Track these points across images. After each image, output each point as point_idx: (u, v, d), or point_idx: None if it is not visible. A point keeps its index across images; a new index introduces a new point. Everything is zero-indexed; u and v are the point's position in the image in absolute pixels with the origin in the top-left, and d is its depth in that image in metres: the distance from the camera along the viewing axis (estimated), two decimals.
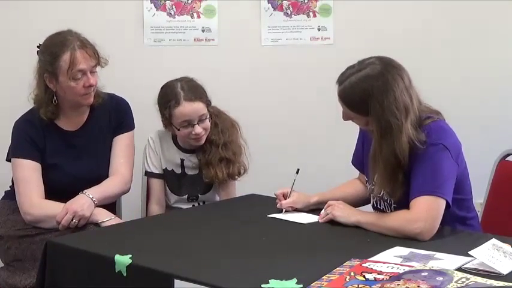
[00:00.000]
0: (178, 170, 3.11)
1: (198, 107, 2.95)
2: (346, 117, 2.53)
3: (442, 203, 2.39)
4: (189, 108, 2.94)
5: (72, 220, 2.72)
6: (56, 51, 2.82)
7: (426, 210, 2.36)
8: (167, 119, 3.00)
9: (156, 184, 3.12)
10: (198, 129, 2.96)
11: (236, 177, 3.08)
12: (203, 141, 3.02)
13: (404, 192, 2.44)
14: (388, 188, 2.46)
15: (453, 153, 2.44)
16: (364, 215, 2.47)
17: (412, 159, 2.43)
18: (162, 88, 3.05)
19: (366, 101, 2.40)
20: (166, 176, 3.13)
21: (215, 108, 3.09)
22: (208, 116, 2.99)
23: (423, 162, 2.42)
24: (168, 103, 2.97)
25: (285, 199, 2.69)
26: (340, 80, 2.47)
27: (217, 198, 3.15)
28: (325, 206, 2.55)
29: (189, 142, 3.04)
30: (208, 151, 3.04)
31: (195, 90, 2.98)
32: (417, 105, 2.46)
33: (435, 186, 2.38)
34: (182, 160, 3.10)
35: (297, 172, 2.71)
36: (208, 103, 3.02)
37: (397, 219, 2.39)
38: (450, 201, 2.41)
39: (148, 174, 3.14)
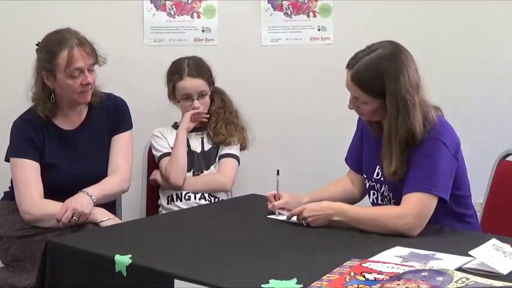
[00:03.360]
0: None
1: (198, 83, 3.22)
2: (353, 105, 2.52)
3: (434, 201, 2.40)
4: (190, 83, 3.21)
5: (72, 217, 2.72)
6: (54, 49, 2.82)
7: (417, 207, 2.37)
8: (171, 91, 3.26)
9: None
10: (197, 103, 3.22)
11: (243, 142, 3.28)
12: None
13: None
14: (397, 171, 2.45)
15: (451, 149, 2.45)
16: (344, 214, 2.44)
17: (410, 153, 2.44)
18: (171, 63, 3.30)
19: (381, 80, 2.41)
20: None
21: (219, 88, 3.35)
22: (208, 93, 3.25)
23: (420, 158, 2.43)
24: (173, 76, 3.25)
25: (276, 201, 2.68)
26: (352, 64, 2.47)
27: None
28: (296, 212, 2.49)
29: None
30: (214, 119, 3.27)
31: (199, 68, 3.25)
32: (422, 92, 2.48)
33: (429, 184, 2.39)
34: (187, 140, 3.25)
35: (278, 173, 2.72)
36: (210, 82, 3.27)
37: (385, 215, 2.40)
38: (447, 197, 2.42)
39: (162, 156, 3.24)
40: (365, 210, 2.49)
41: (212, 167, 3.25)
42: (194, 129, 3.27)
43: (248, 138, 3.31)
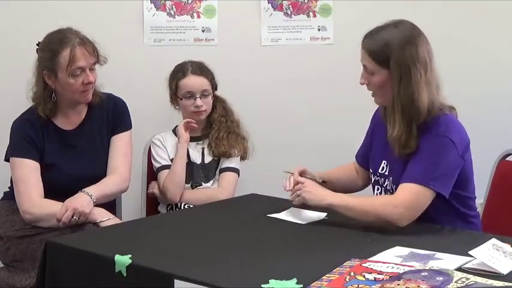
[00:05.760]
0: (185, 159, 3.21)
1: (202, 81, 3.21)
2: (364, 78, 2.54)
3: (430, 195, 2.40)
4: (193, 80, 3.20)
5: (72, 217, 2.72)
6: (56, 48, 2.83)
7: (410, 198, 2.38)
8: (174, 92, 3.24)
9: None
10: (199, 101, 3.18)
11: (244, 153, 3.26)
12: (203, 116, 3.23)
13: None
14: (402, 137, 2.47)
15: (459, 148, 2.45)
16: (338, 198, 2.47)
17: (419, 139, 2.46)
18: (175, 66, 3.29)
19: (389, 46, 2.45)
20: None
21: (220, 97, 3.32)
22: (211, 94, 3.23)
23: (425, 151, 2.43)
24: (176, 74, 3.24)
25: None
26: (366, 34, 2.53)
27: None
28: (294, 184, 2.55)
29: (191, 118, 3.21)
30: (216, 127, 3.24)
31: (202, 68, 3.25)
32: (436, 84, 2.51)
33: (429, 178, 2.40)
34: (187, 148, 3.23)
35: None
36: (213, 84, 3.26)
37: (376, 202, 2.42)
38: (447, 194, 2.43)
39: (160, 168, 3.21)
40: (358, 198, 2.53)
41: (211, 181, 3.23)
42: (195, 138, 3.24)
43: (249, 148, 3.29)
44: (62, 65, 2.82)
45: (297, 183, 2.58)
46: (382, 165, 2.62)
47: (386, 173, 2.60)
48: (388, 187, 2.60)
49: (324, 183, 2.69)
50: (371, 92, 2.57)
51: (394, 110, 2.49)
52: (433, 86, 2.49)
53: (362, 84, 2.56)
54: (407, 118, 2.46)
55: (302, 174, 2.69)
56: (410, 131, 2.46)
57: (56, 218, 2.73)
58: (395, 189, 2.54)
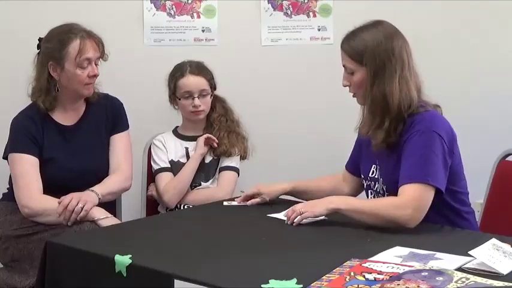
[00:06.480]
0: (184, 160, 3.23)
1: (200, 81, 3.21)
2: (346, 80, 2.56)
3: (432, 192, 2.40)
4: (191, 80, 3.20)
5: (77, 204, 2.72)
6: (65, 39, 2.85)
7: (415, 198, 2.38)
8: (172, 91, 3.23)
9: (168, 176, 3.21)
10: (197, 101, 3.18)
11: (244, 152, 3.27)
12: (202, 116, 3.24)
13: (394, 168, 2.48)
14: (371, 129, 2.50)
15: (447, 141, 2.45)
16: (343, 201, 2.47)
17: (404, 142, 2.45)
18: (174, 66, 3.29)
19: (366, 43, 2.48)
20: (173, 167, 3.22)
21: (220, 96, 3.33)
22: (209, 94, 3.22)
23: (415, 148, 2.43)
24: (174, 74, 3.23)
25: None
26: (345, 35, 2.56)
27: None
28: (291, 213, 2.49)
29: (189, 117, 3.24)
30: (216, 127, 3.25)
31: (200, 68, 3.25)
32: (415, 83, 2.51)
33: (426, 174, 2.39)
34: (186, 148, 3.24)
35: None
36: (212, 84, 3.25)
37: (384, 205, 2.40)
38: (443, 188, 2.42)
39: (158, 171, 3.21)
40: (365, 201, 2.53)
41: (211, 180, 3.23)
42: (195, 138, 3.24)
43: (249, 148, 3.29)
44: (71, 55, 2.84)
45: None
46: (372, 169, 2.63)
47: (377, 176, 2.61)
48: (378, 189, 2.60)
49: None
50: (352, 93, 2.58)
51: (365, 105, 2.52)
52: (411, 84, 2.49)
53: (344, 86, 2.57)
54: (379, 112, 2.48)
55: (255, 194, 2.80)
56: (380, 124, 2.48)
57: (58, 202, 2.73)
58: (386, 189, 2.55)
